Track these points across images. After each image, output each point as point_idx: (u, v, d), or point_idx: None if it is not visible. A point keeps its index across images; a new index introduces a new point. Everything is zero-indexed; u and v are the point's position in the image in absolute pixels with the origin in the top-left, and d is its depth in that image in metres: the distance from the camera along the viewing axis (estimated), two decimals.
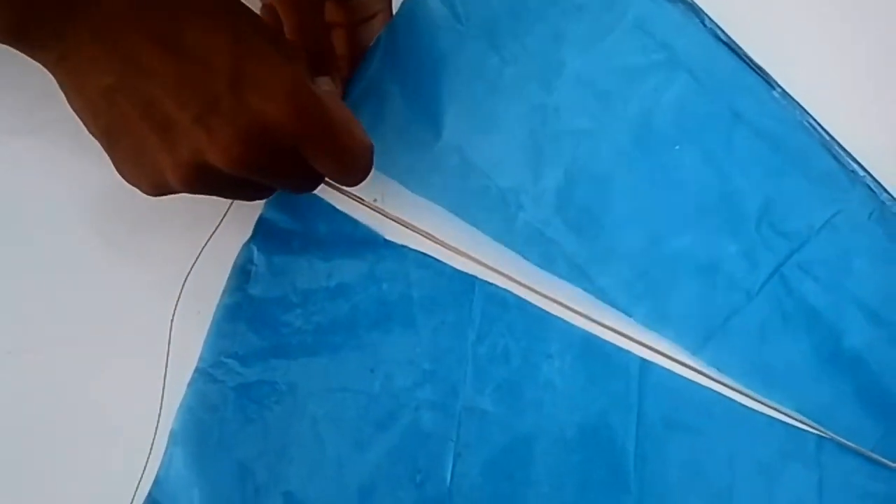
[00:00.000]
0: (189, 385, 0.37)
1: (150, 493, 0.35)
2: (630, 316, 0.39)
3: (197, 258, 0.37)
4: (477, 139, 0.41)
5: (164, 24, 0.27)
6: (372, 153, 0.33)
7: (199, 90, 0.28)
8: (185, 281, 0.37)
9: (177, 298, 0.37)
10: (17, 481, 0.36)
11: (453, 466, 0.36)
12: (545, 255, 0.40)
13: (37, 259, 0.39)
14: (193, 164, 0.29)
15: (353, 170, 0.33)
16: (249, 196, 0.35)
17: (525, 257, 0.39)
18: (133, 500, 0.35)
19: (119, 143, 0.29)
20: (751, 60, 0.42)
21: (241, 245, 0.39)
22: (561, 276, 0.39)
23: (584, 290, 0.39)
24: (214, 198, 0.35)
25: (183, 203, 0.37)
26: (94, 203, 0.39)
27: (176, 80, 0.28)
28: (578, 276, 0.39)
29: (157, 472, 0.36)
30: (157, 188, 0.31)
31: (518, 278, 0.39)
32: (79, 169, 0.38)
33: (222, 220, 0.38)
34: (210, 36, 0.28)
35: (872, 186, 0.41)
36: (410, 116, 0.41)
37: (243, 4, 0.29)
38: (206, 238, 0.38)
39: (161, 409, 0.36)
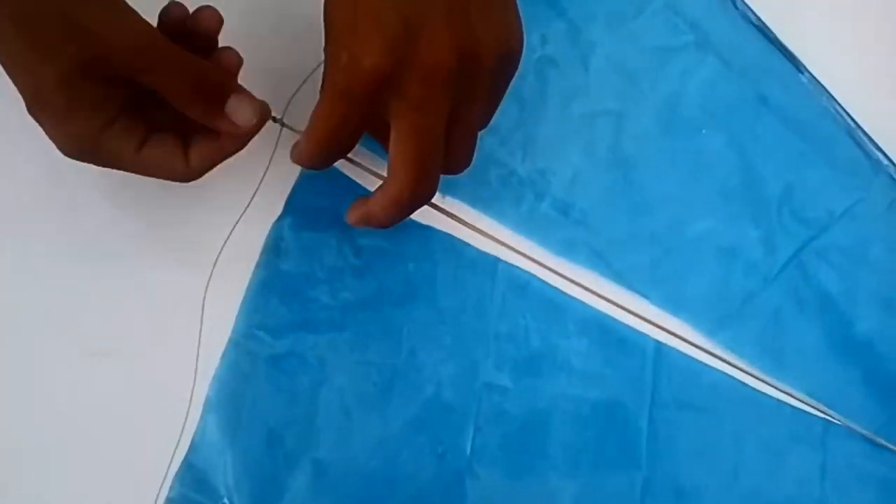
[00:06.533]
0: (223, 356, 0.38)
1: (185, 458, 0.37)
2: (647, 298, 0.40)
3: (228, 237, 0.38)
4: (505, 122, 0.41)
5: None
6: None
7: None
8: (216, 258, 0.38)
9: (209, 276, 0.38)
10: (70, 453, 0.38)
11: (473, 439, 0.38)
12: (565, 242, 0.40)
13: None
14: None
15: None
16: None
17: (544, 247, 0.40)
18: (170, 463, 0.37)
19: None
20: (780, 44, 0.42)
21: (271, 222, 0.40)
22: (580, 263, 0.40)
23: (602, 274, 0.40)
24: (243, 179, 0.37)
25: (216, 181, 0.39)
26: (120, 188, 0.39)
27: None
28: (597, 261, 0.40)
29: (193, 438, 0.37)
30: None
31: (538, 259, 0.40)
32: None
33: (252, 199, 0.39)
34: (20, 68, 0.30)
35: (895, 175, 0.41)
36: None
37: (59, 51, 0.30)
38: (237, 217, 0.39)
39: (195, 381, 0.37)
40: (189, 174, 0.34)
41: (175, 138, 0.33)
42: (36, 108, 0.31)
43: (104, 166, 0.33)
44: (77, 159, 0.32)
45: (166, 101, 0.32)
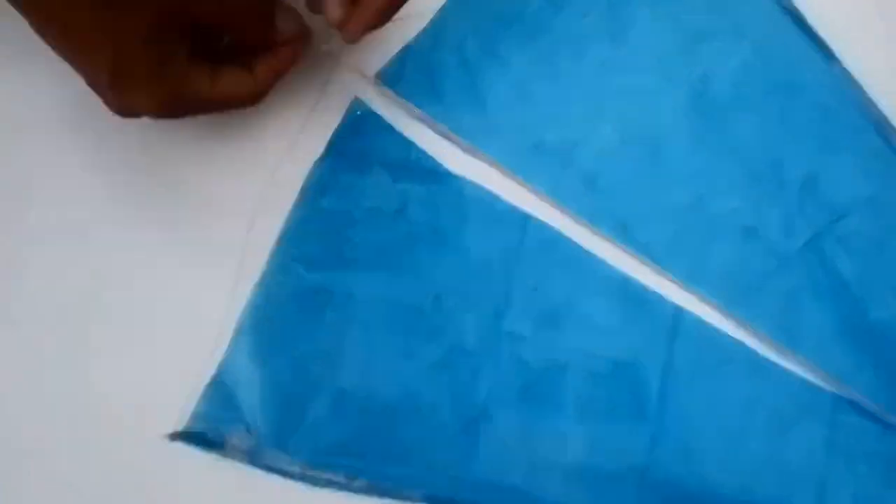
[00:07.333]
0: (257, 283, 0.40)
1: (214, 376, 0.39)
2: (667, 271, 0.41)
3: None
4: (540, 91, 0.43)
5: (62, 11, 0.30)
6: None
7: (89, 74, 0.32)
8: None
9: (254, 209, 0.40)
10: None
11: (490, 385, 0.39)
12: (589, 211, 0.42)
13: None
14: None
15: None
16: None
17: (571, 212, 0.41)
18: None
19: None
20: (814, 34, 0.43)
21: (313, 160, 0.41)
22: (603, 232, 0.41)
23: (625, 243, 0.41)
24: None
25: (262, 121, 0.41)
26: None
27: (71, 58, 0.31)
28: (621, 231, 0.41)
29: (223, 358, 0.39)
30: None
31: (565, 219, 0.41)
32: None
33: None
34: (96, 34, 0.30)
35: None
36: (473, 70, 0.43)
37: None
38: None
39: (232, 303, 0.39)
40: (258, 91, 0.36)
41: (234, 62, 0.35)
42: (118, 73, 0.31)
43: (185, 114, 0.34)
44: (160, 117, 0.34)
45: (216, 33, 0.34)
